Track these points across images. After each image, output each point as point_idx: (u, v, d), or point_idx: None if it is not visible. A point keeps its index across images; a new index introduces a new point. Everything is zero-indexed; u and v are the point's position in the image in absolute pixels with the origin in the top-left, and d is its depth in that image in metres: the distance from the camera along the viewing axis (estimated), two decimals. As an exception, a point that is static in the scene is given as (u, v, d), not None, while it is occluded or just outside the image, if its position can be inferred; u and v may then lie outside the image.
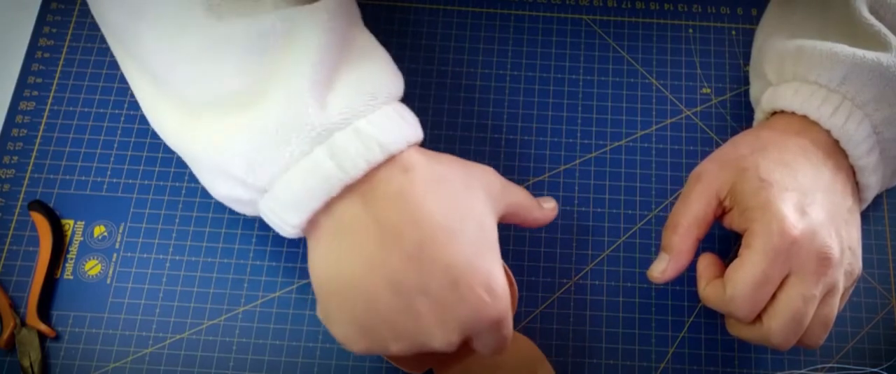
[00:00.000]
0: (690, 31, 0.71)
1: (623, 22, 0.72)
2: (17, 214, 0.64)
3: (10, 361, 0.60)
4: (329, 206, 0.49)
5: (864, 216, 0.65)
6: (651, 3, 0.73)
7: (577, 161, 0.67)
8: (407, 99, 0.68)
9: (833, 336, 0.62)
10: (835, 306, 0.54)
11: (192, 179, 0.65)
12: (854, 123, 0.56)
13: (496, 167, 0.66)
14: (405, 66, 0.69)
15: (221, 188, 0.52)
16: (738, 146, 0.57)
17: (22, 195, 0.65)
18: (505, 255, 0.63)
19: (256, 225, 0.64)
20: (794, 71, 0.58)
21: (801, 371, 0.61)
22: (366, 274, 0.48)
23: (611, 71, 0.70)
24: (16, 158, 0.66)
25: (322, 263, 0.50)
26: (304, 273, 0.63)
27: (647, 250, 0.64)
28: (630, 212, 0.65)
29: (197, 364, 0.60)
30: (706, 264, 0.56)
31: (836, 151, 0.57)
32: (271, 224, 0.52)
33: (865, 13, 0.58)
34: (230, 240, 0.64)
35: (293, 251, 0.63)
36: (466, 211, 0.50)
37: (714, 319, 0.62)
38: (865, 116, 0.56)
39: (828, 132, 0.56)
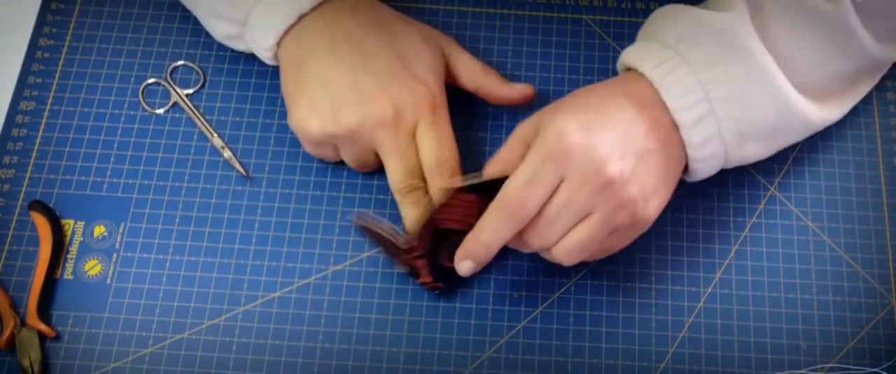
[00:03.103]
0: (690, 31, 0.71)
1: (623, 22, 0.72)
2: (17, 214, 0.64)
3: (10, 361, 0.60)
4: (294, 29, 0.62)
5: (864, 216, 0.65)
6: (651, 4, 0.73)
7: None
8: (407, 99, 0.68)
9: (833, 336, 0.62)
10: (595, 230, 0.55)
11: (192, 179, 0.65)
12: (677, 77, 0.56)
13: (496, 167, 0.66)
14: (405, 66, 0.69)
15: (218, 28, 0.65)
16: (559, 102, 0.59)
17: (22, 195, 0.65)
18: (504, 254, 0.63)
19: (256, 225, 0.64)
20: (646, 32, 0.61)
21: (801, 371, 0.61)
22: (321, 64, 0.60)
23: (611, 71, 0.70)
24: (16, 158, 0.66)
25: (289, 74, 0.62)
26: (305, 273, 0.63)
27: (647, 250, 0.64)
28: (630, 212, 0.65)
29: (197, 364, 0.60)
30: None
31: (656, 104, 0.57)
32: (255, 51, 0.64)
33: None
34: (230, 240, 0.64)
35: (293, 251, 0.63)
36: (402, 28, 0.63)
37: (714, 319, 0.62)
38: (693, 71, 0.56)
39: (651, 85, 0.57)
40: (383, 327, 0.61)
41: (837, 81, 0.62)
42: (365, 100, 0.59)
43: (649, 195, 0.55)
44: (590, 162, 0.53)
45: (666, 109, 0.57)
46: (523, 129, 0.58)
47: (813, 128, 0.62)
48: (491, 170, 0.58)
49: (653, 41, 0.59)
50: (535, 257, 0.63)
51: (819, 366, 0.61)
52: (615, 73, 0.69)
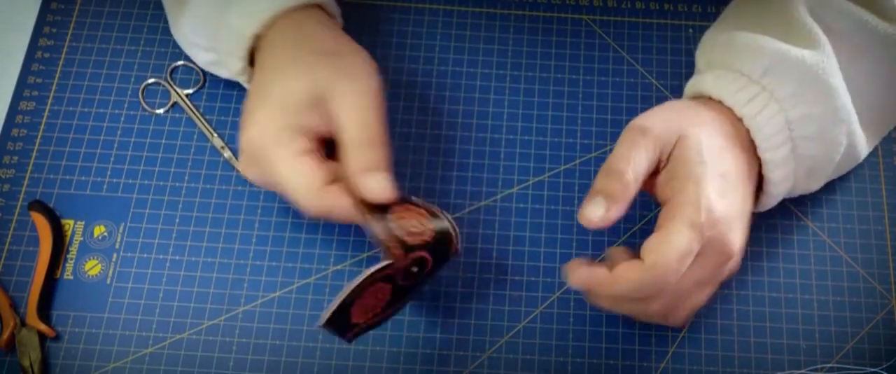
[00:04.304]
0: (690, 31, 0.71)
1: (623, 22, 0.72)
2: (17, 214, 0.64)
3: (10, 361, 0.60)
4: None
5: (864, 216, 0.65)
6: (651, 3, 0.73)
7: (577, 161, 0.67)
8: (408, 99, 0.68)
9: (833, 336, 0.62)
10: (707, 296, 0.56)
11: (193, 179, 0.65)
12: (768, 115, 0.56)
13: (496, 168, 0.66)
14: (405, 66, 0.69)
15: (199, 57, 0.65)
16: (681, 114, 0.56)
17: (22, 195, 0.65)
18: (503, 254, 0.63)
19: (256, 225, 0.64)
20: (722, 60, 0.58)
21: (801, 371, 0.61)
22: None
23: (611, 71, 0.70)
24: (16, 158, 0.66)
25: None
26: (305, 273, 0.63)
27: (647, 250, 0.64)
28: (630, 212, 0.65)
29: (197, 364, 0.60)
30: (621, 250, 0.56)
31: (749, 145, 0.56)
32: (237, 79, 0.63)
33: (800, 12, 0.58)
34: (230, 240, 0.64)
35: (293, 251, 0.63)
36: (300, 69, 0.57)
37: (714, 319, 0.62)
38: (781, 110, 0.56)
39: (741, 121, 0.56)
40: (383, 327, 0.61)
41: (887, 112, 0.62)
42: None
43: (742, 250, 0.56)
44: (726, 241, 0.53)
45: (751, 143, 0.56)
46: (660, 139, 0.54)
47: (857, 163, 0.62)
48: (625, 169, 0.53)
49: (733, 72, 0.57)
50: (534, 258, 0.63)
51: (819, 366, 0.61)
52: (615, 74, 0.70)
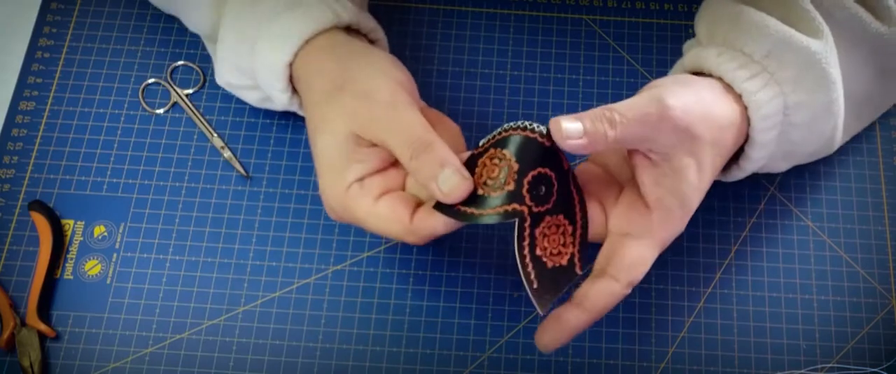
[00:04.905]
0: (690, 31, 0.71)
1: (623, 22, 0.72)
2: (17, 214, 0.64)
3: (10, 361, 0.60)
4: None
5: (864, 216, 0.65)
6: (651, 3, 0.73)
7: (577, 161, 0.67)
8: (407, 99, 0.68)
9: (833, 336, 0.62)
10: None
11: (192, 179, 0.65)
12: (768, 95, 0.55)
13: (496, 167, 0.66)
14: (405, 66, 0.69)
15: (249, 97, 0.63)
16: (707, 114, 0.53)
17: (22, 195, 0.65)
18: (504, 254, 0.63)
19: (256, 225, 0.64)
20: (725, 36, 0.58)
21: (801, 371, 0.61)
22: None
23: (611, 71, 0.70)
24: (16, 158, 0.66)
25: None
26: (305, 273, 0.63)
27: (647, 250, 0.64)
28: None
29: (197, 364, 0.60)
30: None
31: (742, 124, 0.55)
32: (269, 94, 0.61)
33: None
34: (230, 240, 0.64)
35: (293, 251, 0.63)
36: (324, 123, 0.55)
37: (714, 319, 0.62)
38: (781, 93, 0.55)
39: (740, 97, 0.55)
40: (383, 327, 0.61)
41: (866, 109, 0.62)
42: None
43: None
44: (671, 238, 0.56)
45: (746, 119, 0.55)
46: (667, 138, 0.52)
47: (830, 153, 0.63)
48: (626, 121, 0.50)
49: (735, 51, 0.57)
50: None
51: (819, 366, 0.61)
52: (615, 74, 0.70)
